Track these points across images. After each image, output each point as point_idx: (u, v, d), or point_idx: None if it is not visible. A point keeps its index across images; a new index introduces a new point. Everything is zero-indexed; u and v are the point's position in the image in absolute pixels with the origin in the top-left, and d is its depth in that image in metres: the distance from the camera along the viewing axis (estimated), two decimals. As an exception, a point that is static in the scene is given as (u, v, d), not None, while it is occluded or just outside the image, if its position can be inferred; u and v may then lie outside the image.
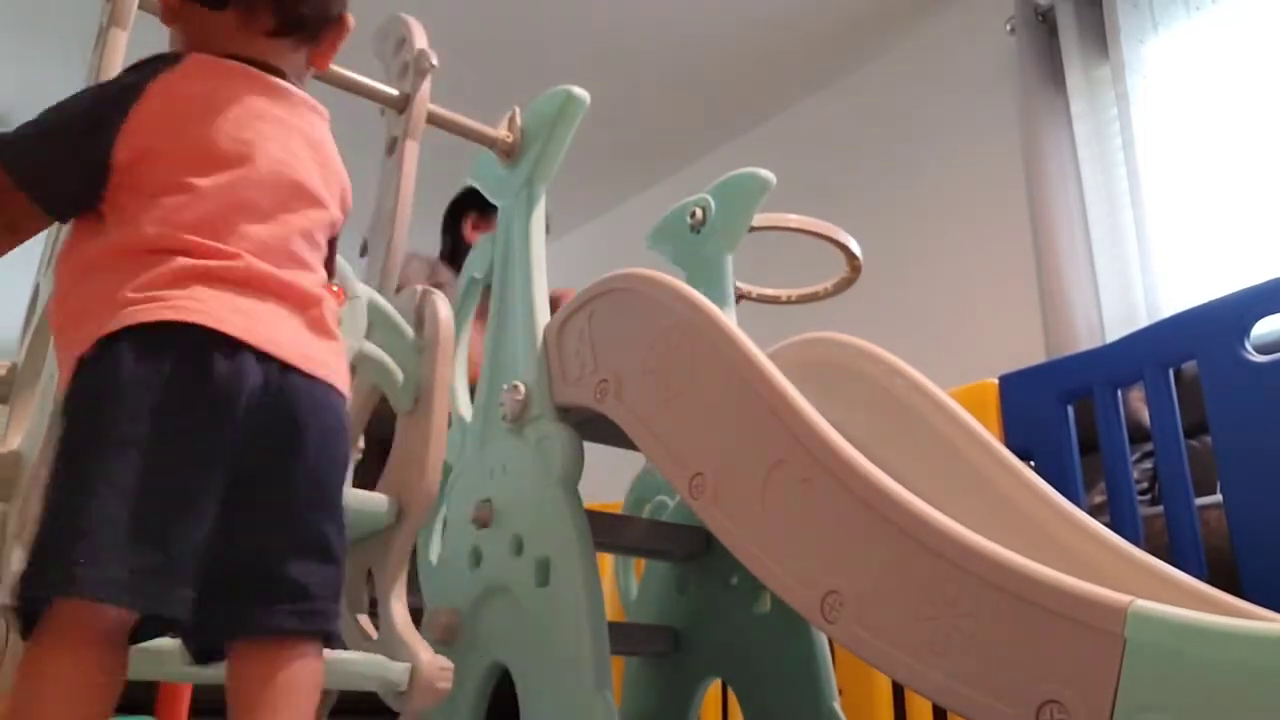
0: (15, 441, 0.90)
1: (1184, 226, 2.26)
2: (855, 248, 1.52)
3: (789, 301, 1.61)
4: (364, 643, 0.97)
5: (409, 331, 1.00)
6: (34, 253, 1.03)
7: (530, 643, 1.02)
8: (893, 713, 1.46)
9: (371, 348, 0.96)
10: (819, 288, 1.60)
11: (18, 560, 0.64)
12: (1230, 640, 0.57)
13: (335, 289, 0.92)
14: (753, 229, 1.36)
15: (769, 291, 1.59)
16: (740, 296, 1.43)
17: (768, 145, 3.30)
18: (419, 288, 1.04)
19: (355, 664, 0.87)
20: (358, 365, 0.98)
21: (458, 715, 1.08)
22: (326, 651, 0.86)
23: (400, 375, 0.98)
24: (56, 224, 0.96)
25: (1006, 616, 0.66)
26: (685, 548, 1.25)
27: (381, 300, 0.99)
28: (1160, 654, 0.58)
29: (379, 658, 0.88)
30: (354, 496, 0.95)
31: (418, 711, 0.88)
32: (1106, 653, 0.60)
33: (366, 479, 1.03)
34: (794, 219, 1.48)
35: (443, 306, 1.02)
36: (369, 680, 0.87)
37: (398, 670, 0.87)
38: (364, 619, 1.01)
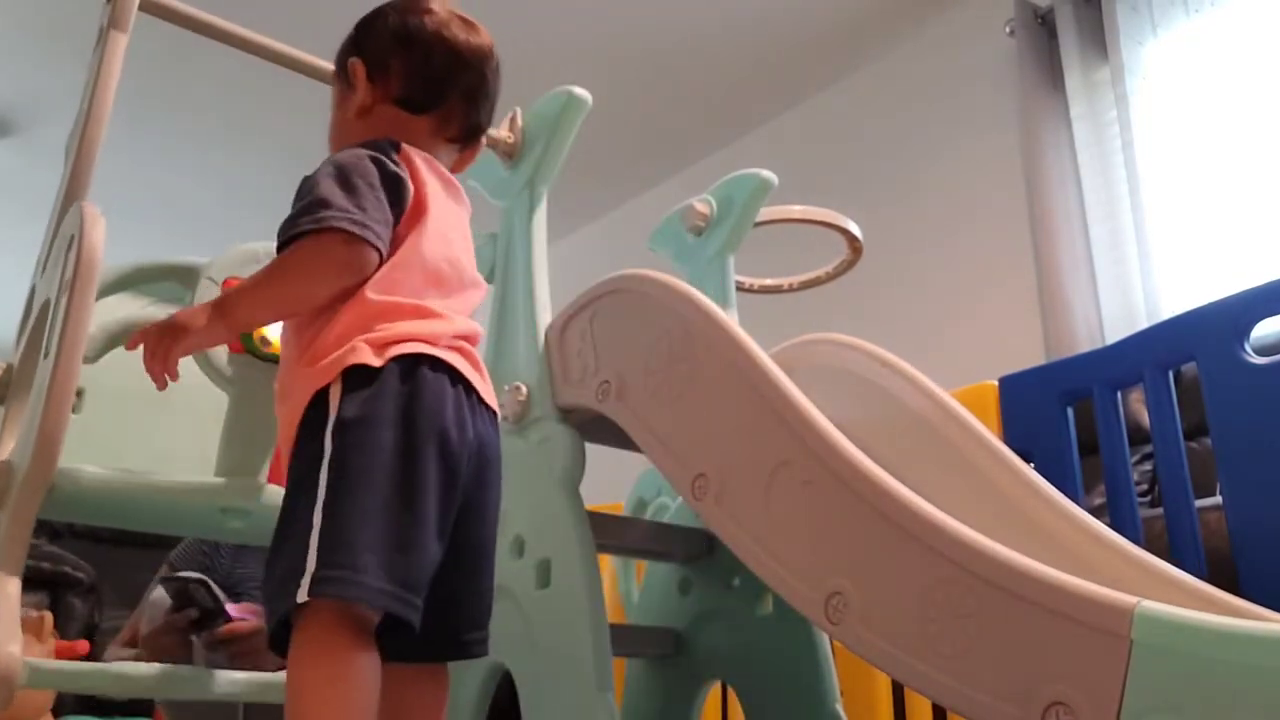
0: (8, 450, 0.90)
1: (1183, 228, 2.26)
2: (856, 230, 1.52)
3: (791, 289, 1.61)
4: None
5: None
6: (32, 254, 1.03)
7: (532, 645, 1.02)
8: (892, 714, 1.46)
9: None
10: (820, 272, 1.61)
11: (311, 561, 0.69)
12: (1236, 641, 0.57)
13: None
14: (758, 224, 1.36)
15: (770, 281, 1.60)
16: (742, 288, 1.44)
17: (768, 147, 3.30)
18: None
19: None
20: None
21: (460, 717, 1.07)
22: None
23: None
24: (51, 225, 0.96)
25: (1011, 618, 0.65)
26: (687, 549, 1.25)
27: None
28: (1166, 655, 0.58)
29: None
30: None
31: None
32: (1113, 654, 0.60)
33: None
34: (798, 210, 1.49)
35: None
36: None
37: None
38: None
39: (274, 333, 0.90)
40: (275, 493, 0.90)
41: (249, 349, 0.89)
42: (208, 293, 0.89)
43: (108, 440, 0.93)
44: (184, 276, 0.90)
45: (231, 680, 0.86)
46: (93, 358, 0.86)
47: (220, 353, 0.88)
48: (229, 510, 0.89)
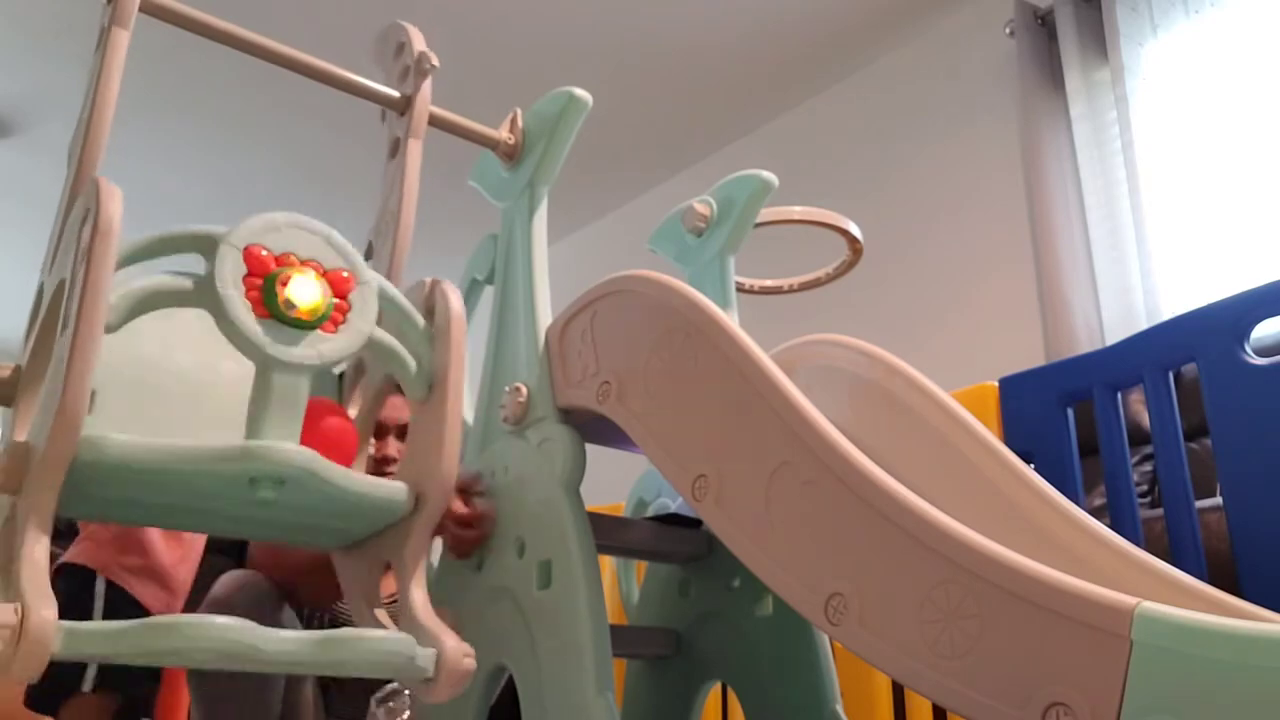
0: (23, 435, 0.89)
1: (1183, 229, 2.26)
2: (856, 231, 1.52)
3: (791, 290, 1.61)
4: None
5: (420, 319, 0.98)
6: (33, 254, 1.03)
7: (532, 645, 1.02)
8: (892, 714, 1.47)
9: (383, 334, 0.94)
10: (820, 273, 1.61)
11: None
12: (1236, 642, 0.57)
13: (345, 275, 0.91)
14: (758, 225, 1.36)
15: (770, 282, 1.60)
16: (742, 289, 1.44)
17: (769, 147, 3.30)
18: (427, 279, 1.04)
19: (384, 643, 0.83)
20: (370, 350, 0.96)
21: (460, 717, 1.07)
22: (355, 631, 0.84)
23: (413, 363, 0.97)
24: (57, 225, 0.97)
25: (1011, 619, 0.65)
26: (687, 550, 1.25)
27: (391, 287, 0.97)
28: (1166, 656, 0.58)
29: (407, 637, 0.85)
30: (372, 484, 0.93)
31: (443, 698, 0.86)
32: (1113, 655, 0.60)
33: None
34: (798, 211, 1.49)
35: (453, 295, 1.01)
36: (395, 663, 0.84)
37: (424, 656, 0.85)
38: (381, 613, 1.00)
39: (299, 296, 0.88)
40: (309, 457, 0.85)
41: (275, 314, 0.87)
42: (228, 258, 0.87)
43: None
44: (204, 245, 0.89)
45: (282, 639, 0.80)
46: (115, 325, 0.84)
47: (246, 317, 0.86)
48: (259, 479, 0.85)
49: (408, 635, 0.86)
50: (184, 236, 0.89)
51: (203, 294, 0.86)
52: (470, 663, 0.87)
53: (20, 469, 0.81)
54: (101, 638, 0.77)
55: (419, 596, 0.92)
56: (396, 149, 1.19)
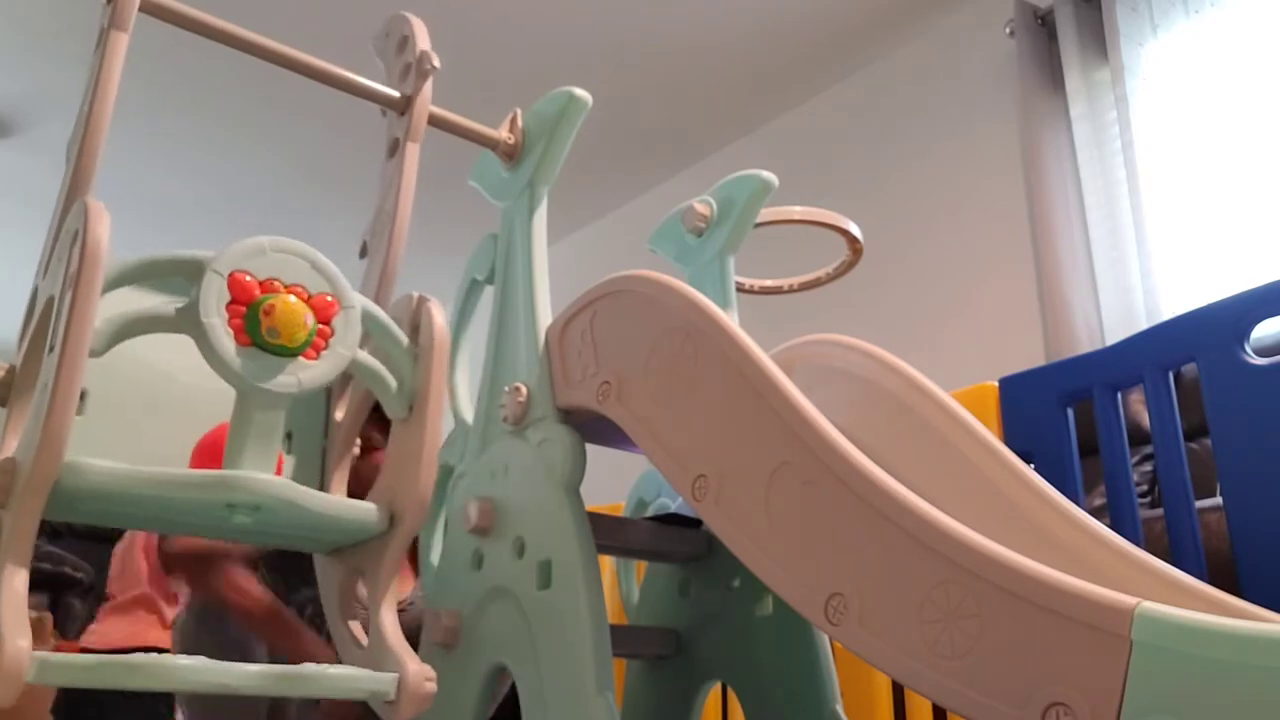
0: (11, 447, 0.90)
1: (1184, 229, 2.26)
2: (856, 231, 1.52)
3: (791, 290, 1.61)
4: (354, 649, 0.98)
5: (403, 339, 1.00)
6: (33, 254, 1.03)
7: (532, 645, 1.02)
8: (892, 714, 1.47)
9: (365, 356, 0.96)
10: (820, 273, 1.61)
11: None
12: (1237, 642, 0.57)
13: (329, 299, 0.92)
14: (758, 225, 1.36)
15: (769, 282, 1.60)
16: (742, 289, 1.44)
17: (769, 147, 3.30)
18: (414, 294, 1.04)
19: (344, 677, 0.88)
20: (352, 373, 0.98)
21: (460, 718, 1.07)
22: (316, 667, 0.88)
23: (394, 383, 0.98)
24: (53, 227, 0.97)
25: (1011, 619, 0.65)
26: (687, 550, 1.25)
27: (375, 308, 0.99)
28: (1166, 656, 0.58)
29: (366, 671, 0.89)
30: (345, 506, 0.95)
31: (407, 718, 0.89)
32: (1113, 655, 0.60)
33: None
34: (798, 211, 1.49)
35: (438, 313, 1.02)
36: (358, 691, 0.89)
37: (385, 680, 0.89)
38: (355, 625, 1.01)
39: (282, 325, 0.89)
40: (284, 486, 0.88)
41: (256, 342, 0.88)
42: (212, 286, 0.89)
43: (104, 443, 0.92)
44: (189, 270, 0.90)
45: (247, 673, 0.84)
46: (100, 351, 0.86)
47: (228, 345, 0.87)
48: (235, 506, 0.88)
49: (365, 671, 0.90)
50: (170, 261, 0.90)
51: (186, 321, 0.88)
52: (431, 686, 0.90)
53: (8, 486, 0.83)
54: (74, 670, 0.80)
55: (388, 618, 0.94)
56: (395, 148, 1.19)
